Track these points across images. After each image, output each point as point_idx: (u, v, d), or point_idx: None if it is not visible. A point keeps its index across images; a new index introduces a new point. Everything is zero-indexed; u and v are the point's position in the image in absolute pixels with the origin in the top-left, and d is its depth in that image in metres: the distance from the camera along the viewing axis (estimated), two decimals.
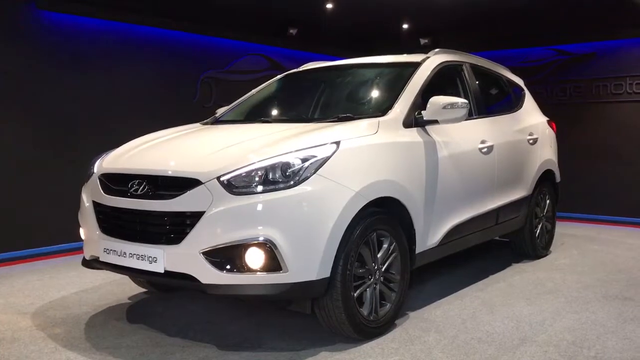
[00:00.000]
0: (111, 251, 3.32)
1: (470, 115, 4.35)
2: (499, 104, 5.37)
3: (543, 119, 5.74)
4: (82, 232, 3.69)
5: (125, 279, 4.54)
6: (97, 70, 6.31)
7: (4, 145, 5.66)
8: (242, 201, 2.99)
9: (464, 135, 4.29)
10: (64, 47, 6.08)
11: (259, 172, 3.05)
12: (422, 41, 8.43)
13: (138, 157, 3.58)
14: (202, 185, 3.05)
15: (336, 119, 3.73)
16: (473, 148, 4.36)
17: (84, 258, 3.64)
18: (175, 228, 3.10)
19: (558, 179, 5.81)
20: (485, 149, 4.47)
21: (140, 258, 3.17)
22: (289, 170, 3.06)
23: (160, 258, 3.09)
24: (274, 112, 4.68)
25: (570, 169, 6.90)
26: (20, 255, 5.65)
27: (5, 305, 4.16)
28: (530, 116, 5.51)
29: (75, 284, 4.72)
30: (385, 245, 3.50)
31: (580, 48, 7.98)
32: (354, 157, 3.32)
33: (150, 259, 3.13)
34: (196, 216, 3.02)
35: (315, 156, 3.14)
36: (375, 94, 4.35)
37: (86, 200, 3.63)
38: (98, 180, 3.55)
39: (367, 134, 3.50)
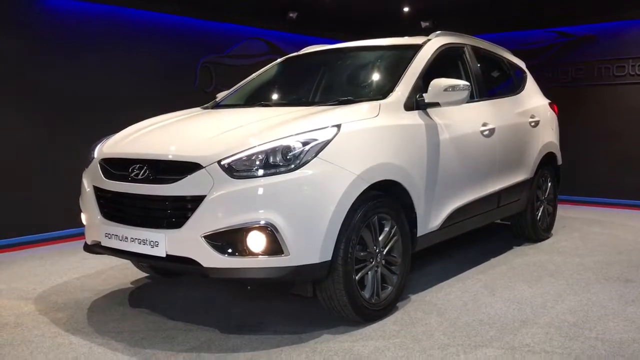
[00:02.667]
0: (113, 236, 3.33)
1: (471, 98, 4.33)
2: (500, 87, 5.34)
3: (545, 102, 5.71)
4: (83, 217, 3.69)
5: (127, 263, 4.55)
6: (97, 55, 6.27)
7: (4, 131, 5.65)
8: (243, 185, 2.98)
9: (466, 118, 4.27)
10: (63, 32, 6.04)
11: (259, 156, 3.04)
12: (423, 24, 8.37)
13: (138, 141, 3.57)
14: (203, 169, 3.04)
15: (337, 102, 3.71)
16: (474, 131, 4.35)
17: (85, 243, 3.65)
18: (176, 212, 3.10)
19: (560, 161, 5.79)
20: (486, 132, 4.45)
21: (141, 242, 3.17)
22: (289, 154, 3.05)
23: (162, 242, 3.09)
24: (275, 96, 4.65)
25: (571, 152, 6.88)
26: (22, 241, 5.66)
27: (8, 291, 4.17)
28: (532, 99, 5.48)
29: (77, 269, 4.73)
30: (386, 229, 3.49)
31: (582, 30, 7.92)
32: (355, 140, 3.31)
33: (152, 243, 3.13)
34: (197, 200, 3.01)
35: (316, 139, 3.13)
36: (376, 76, 4.32)
37: (87, 186, 3.62)
38: (99, 165, 3.55)
39: (368, 117, 3.48)
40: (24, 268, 4.80)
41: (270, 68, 4.92)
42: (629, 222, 6.41)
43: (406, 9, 8.00)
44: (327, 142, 3.14)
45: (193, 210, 3.02)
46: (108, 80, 6.35)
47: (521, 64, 5.69)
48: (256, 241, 2.97)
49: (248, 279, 3.10)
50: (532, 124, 5.24)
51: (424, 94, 3.82)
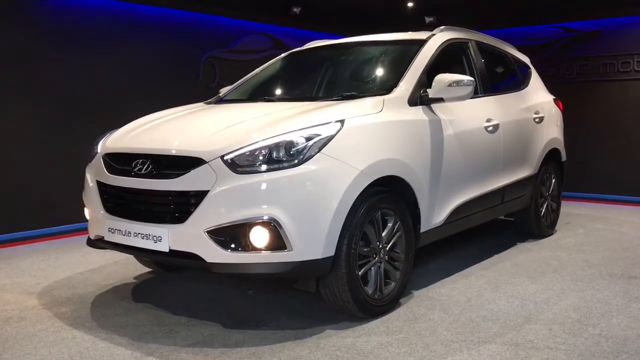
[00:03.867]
0: (116, 230, 3.32)
1: (476, 94, 4.31)
2: (505, 82, 5.32)
3: (549, 98, 5.69)
4: (86, 212, 3.69)
5: (130, 258, 4.55)
6: (99, 50, 6.27)
7: (6, 126, 5.65)
8: (246, 180, 2.98)
9: (470, 114, 4.25)
10: (67, 27, 6.04)
11: (262, 151, 3.04)
12: (428, 19, 8.34)
13: (142, 136, 3.57)
14: (206, 164, 3.03)
15: (340, 98, 3.70)
16: (479, 126, 4.33)
17: (88, 238, 3.65)
18: (179, 207, 3.10)
19: (564, 157, 5.77)
20: (490, 128, 4.43)
21: (145, 237, 3.17)
22: (293, 149, 3.05)
23: (165, 237, 3.09)
24: (278, 91, 4.64)
25: (576, 148, 6.86)
26: (25, 236, 5.67)
27: (12, 285, 4.18)
28: (537, 94, 5.46)
29: (81, 264, 4.74)
30: (389, 224, 3.49)
31: (587, 25, 7.88)
32: (359, 135, 3.30)
33: (155, 238, 3.13)
34: (200, 195, 3.01)
35: (319, 135, 3.12)
36: (380, 72, 4.31)
37: (90, 180, 3.62)
38: (102, 160, 3.55)
39: (372, 112, 3.47)
40: (27, 263, 4.81)
41: (273, 63, 4.90)
42: (634, 219, 6.38)
43: (410, 4, 7.97)
44: (330, 138, 3.13)
45: (196, 205, 3.01)
46: (111, 75, 6.35)
47: (526, 59, 5.67)
48: (259, 236, 2.96)
49: (251, 274, 3.10)
50: (537, 120, 5.22)
51: (428, 90, 3.81)
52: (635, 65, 7.51)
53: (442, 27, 4.49)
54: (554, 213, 5.67)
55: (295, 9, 7.81)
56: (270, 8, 7.77)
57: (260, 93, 4.47)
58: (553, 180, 5.61)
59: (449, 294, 3.83)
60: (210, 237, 2.98)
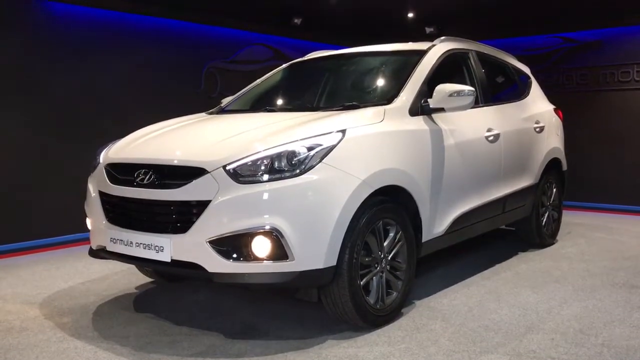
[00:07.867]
0: (118, 241, 3.33)
1: (476, 103, 4.32)
2: (505, 92, 5.34)
3: (550, 107, 5.71)
4: (88, 222, 3.70)
5: (132, 268, 4.55)
6: (102, 61, 6.30)
7: (8, 136, 5.67)
8: (248, 190, 2.99)
9: (471, 124, 4.27)
10: (68, 38, 6.07)
11: (264, 161, 3.05)
12: (428, 29, 8.38)
13: (144, 146, 3.58)
14: (208, 174, 3.04)
15: (342, 108, 3.72)
16: (479, 136, 4.34)
17: (90, 248, 3.66)
18: (181, 217, 3.10)
19: (565, 167, 5.78)
20: (491, 137, 4.45)
21: (147, 247, 3.18)
22: (294, 159, 3.06)
23: (167, 247, 3.10)
24: (280, 101, 4.66)
25: (576, 158, 6.86)
26: (27, 246, 5.67)
27: (14, 295, 4.18)
28: (537, 104, 5.48)
29: (82, 274, 4.74)
30: (391, 234, 3.49)
31: (587, 35, 7.92)
32: (360, 145, 3.31)
33: (157, 248, 3.13)
34: (202, 205, 3.02)
35: (321, 145, 3.13)
36: (380, 82, 4.33)
37: (92, 190, 3.63)
38: (104, 170, 3.56)
39: (373, 122, 3.49)
40: (29, 273, 4.81)
41: (275, 73, 4.93)
42: (635, 228, 6.38)
43: (411, 15, 8.02)
44: (332, 147, 3.14)
45: (198, 215, 3.02)
46: (113, 86, 6.37)
47: (526, 69, 5.69)
48: (261, 246, 2.97)
49: (253, 284, 3.10)
50: (537, 129, 5.23)
51: (428, 99, 3.82)
52: (635, 75, 7.54)
53: (443, 37, 4.52)
54: (555, 222, 5.68)
55: (296, 20, 7.85)
56: (272, 19, 7.81)
57: (262, 103, 4.49)
58: (554, 190, 5.62)
59: (450, 304, 3.82)
60: (212, 247, 2.99)
